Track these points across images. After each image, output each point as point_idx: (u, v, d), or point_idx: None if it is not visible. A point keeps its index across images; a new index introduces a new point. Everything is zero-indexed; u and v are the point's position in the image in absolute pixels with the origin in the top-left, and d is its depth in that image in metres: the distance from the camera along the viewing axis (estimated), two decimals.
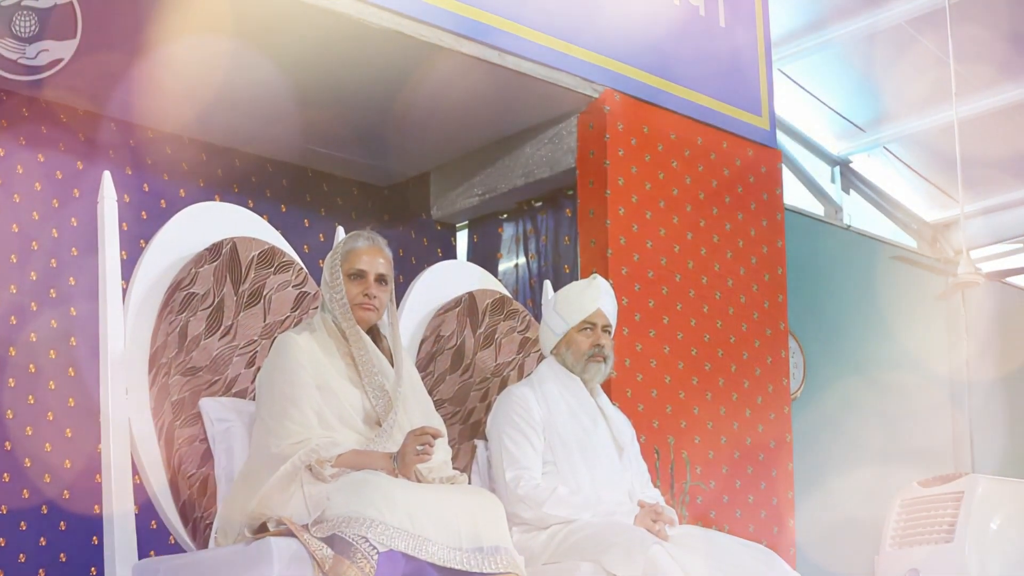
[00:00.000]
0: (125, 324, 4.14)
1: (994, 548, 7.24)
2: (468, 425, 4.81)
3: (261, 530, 3.72)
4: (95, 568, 5.26)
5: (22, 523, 5.32)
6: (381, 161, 6.69)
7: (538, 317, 4.94)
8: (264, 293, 4.39)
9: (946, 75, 8.08)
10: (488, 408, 4.67)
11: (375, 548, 3.45)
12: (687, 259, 6.25)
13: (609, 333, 4.58)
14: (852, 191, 9.65)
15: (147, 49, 5.30)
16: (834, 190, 9.50)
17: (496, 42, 5.66)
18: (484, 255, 6.89)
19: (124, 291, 4.19)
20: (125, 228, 4.32)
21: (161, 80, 5.55)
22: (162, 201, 5.96)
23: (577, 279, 5.55)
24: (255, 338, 4.32)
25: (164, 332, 4.15)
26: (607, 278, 5.46)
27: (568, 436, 4.42)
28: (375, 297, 4.06)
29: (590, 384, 4.56)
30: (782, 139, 8.19)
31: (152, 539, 4.52)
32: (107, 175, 4.24)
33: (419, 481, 3.87)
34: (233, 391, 4.22)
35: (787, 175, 8.41)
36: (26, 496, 5.36)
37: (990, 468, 9.25)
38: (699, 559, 4.05)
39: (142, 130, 5.99)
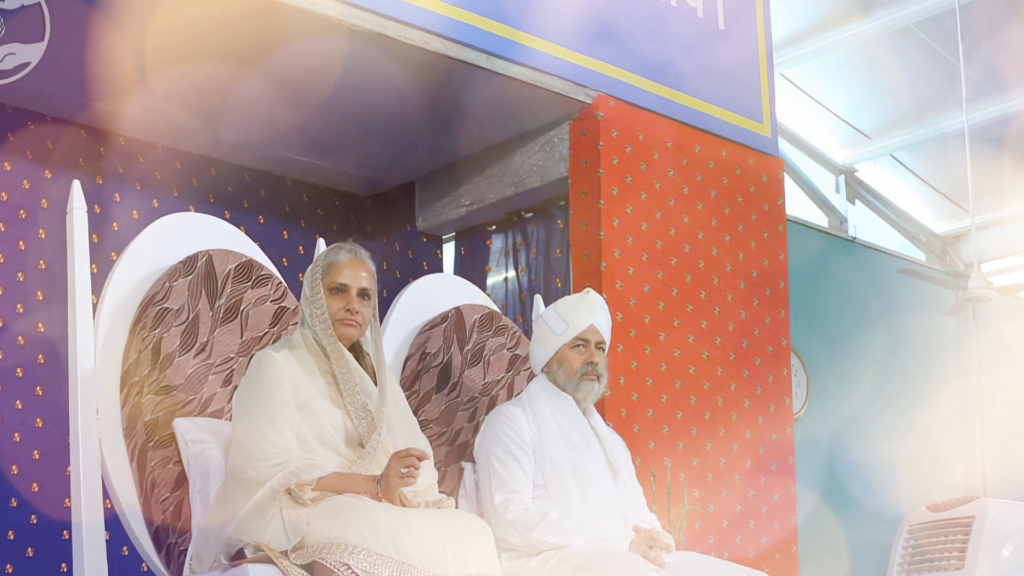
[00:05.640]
0: (96, 341, 4.15)
1: None
2: (455, 447, 4.82)
3: (238, 556, 3.73)
4: None
5: None
6: (364, 170, 6.70)
7: (528, 333, 4.96)
8: (241, 308, 4.40)
9: (956, 80, 8.12)
10: (476, 429, 4.68)
11: (357, 575, 3.46)
12: (684, 272, 6.26)
13: (603, 350, 4.59)
14: (857, 201, 9.69)
15: (119, 53, 5.31)
16: (839, 200, 9.53)
17: (484, 45, 5.67)
18: (472, 268, 6.91)
19: (95, 306, 4.20)
20: (96, 240, 4.32)
21: (133, 86, 5.56)
22: (134, 212, 5.97)
23: (569, 293, 5.57)
24: (232, 355, 4.34)
25: (136, 349, 4.17)
26: (601, 292, 5.48)
27: (560, 458, 4.43)
28: (357, 312, 4.07)
29: (583, 403, 4.57)
30: (784, 147, 8.23)
31: (124, 566, 4.53)
32: (76, 184, 4.26)
33: (404, 505, 3.89)
34: (209, 411, 4.23)
35: (789, 184, 8.45)
36: None
37: (1002, 491, 9.29)
38: None
39: (113, 138, 6.00)
